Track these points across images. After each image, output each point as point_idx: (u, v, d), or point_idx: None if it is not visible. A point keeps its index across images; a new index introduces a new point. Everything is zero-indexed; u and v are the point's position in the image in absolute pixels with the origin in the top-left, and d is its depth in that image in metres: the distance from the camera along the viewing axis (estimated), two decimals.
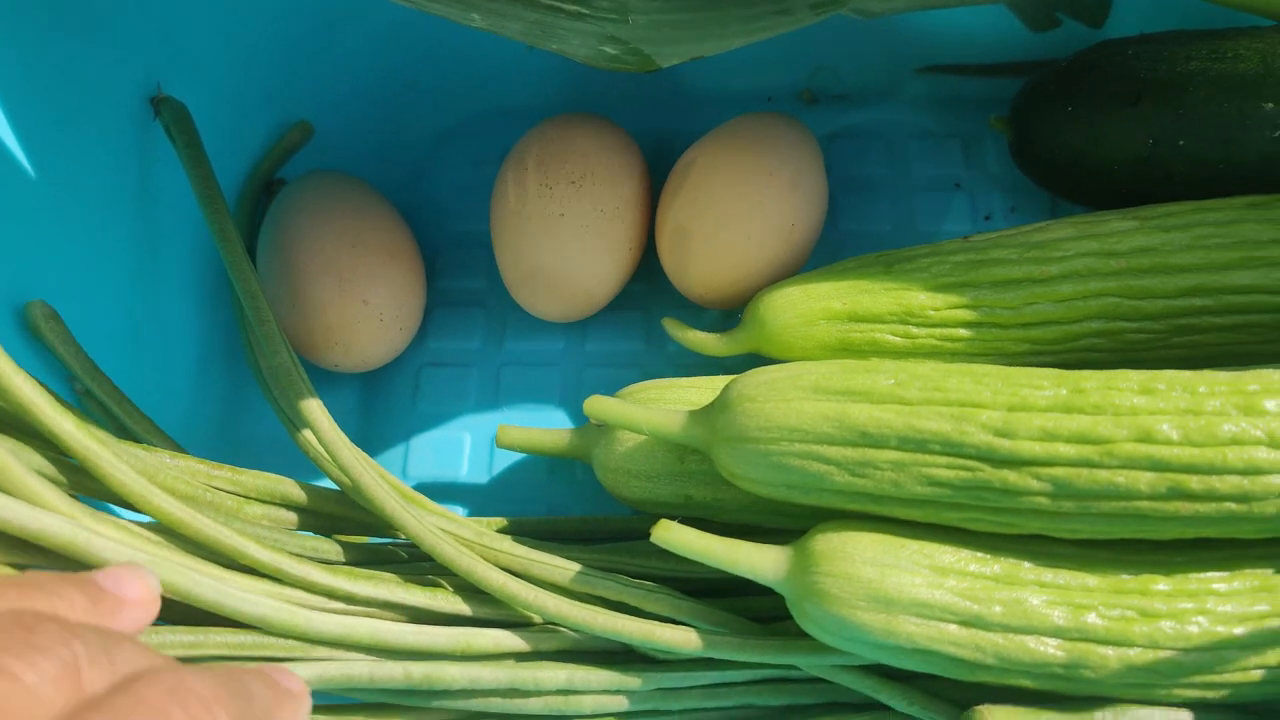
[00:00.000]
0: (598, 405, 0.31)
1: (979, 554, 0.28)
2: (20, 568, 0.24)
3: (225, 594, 0.26)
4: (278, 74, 0.40)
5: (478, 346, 0.40)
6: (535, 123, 0.39)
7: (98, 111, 0.33)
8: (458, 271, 0.42)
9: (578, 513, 0.36)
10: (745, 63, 0.43)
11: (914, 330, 0.33)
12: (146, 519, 0.27)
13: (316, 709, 0.29)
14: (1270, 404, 0.26)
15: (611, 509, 0.36)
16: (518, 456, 0.38)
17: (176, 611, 0.28)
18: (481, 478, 0.38)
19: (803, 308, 0.34)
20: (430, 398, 0.39)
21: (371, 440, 0.39)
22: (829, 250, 0.39)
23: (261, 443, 0.37)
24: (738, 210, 0.34)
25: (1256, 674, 0.27)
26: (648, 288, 0.40)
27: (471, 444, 0.38)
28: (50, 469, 0.26)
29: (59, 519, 0.23)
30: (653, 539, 0.29)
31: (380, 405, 0.39)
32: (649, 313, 0.40)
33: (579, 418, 0.39)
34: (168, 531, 0.27)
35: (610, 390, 0.34)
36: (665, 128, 0.43)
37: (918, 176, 0.42)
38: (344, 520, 0.33)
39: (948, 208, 0.41)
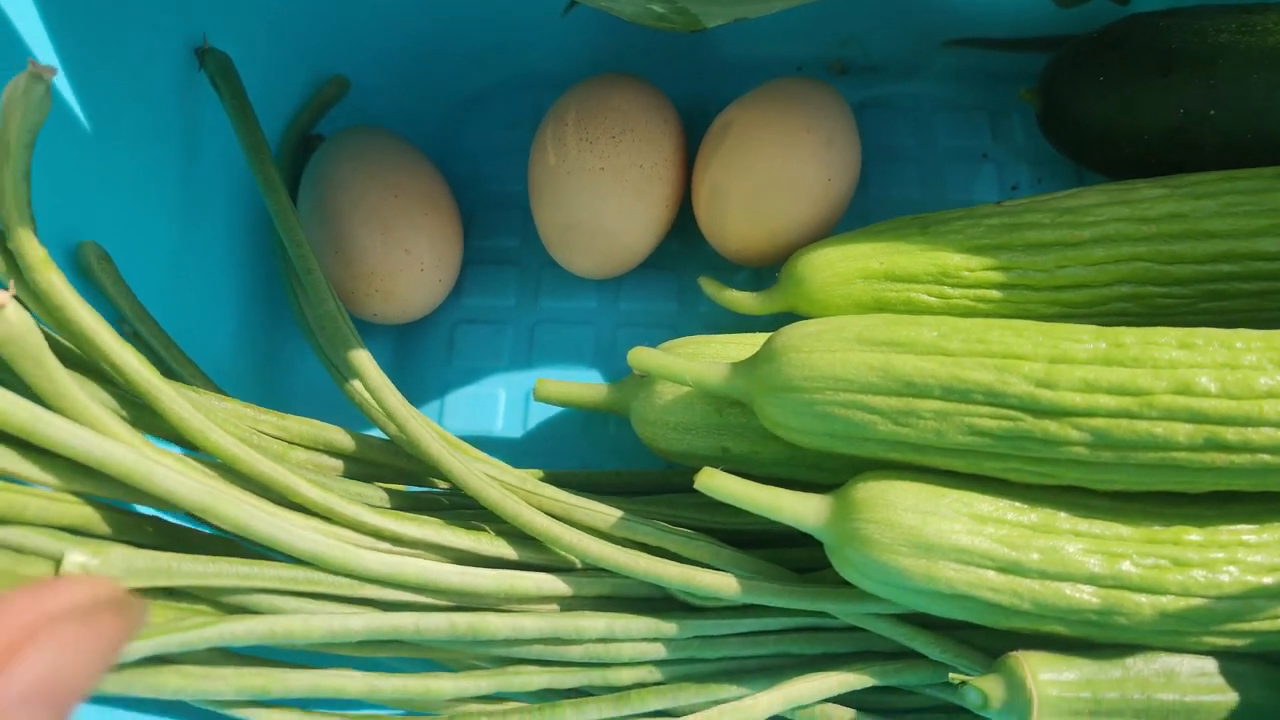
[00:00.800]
0: (641, 357, 0.31)
1: (1016, 504, 0.28)
2: (82, 496, 0.24)
3: (279, 529, 0.27)
4: (313, 30, 0.40)
5: (512, 304, 0.41)
6: (564, 88, 0.40)
7: (145, 62, 0.33)
8: (491, 231, 0.42)
9: (610, 468, 0.37)
10: (776, 31, 0.44)
11: (949, 291, 0.34)
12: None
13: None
14: None
15: (643, 465, 0.37)
16: (552, 412, 0.39)
17: (230, 548, 0.28)
18: (516, 432, 0.39)
19: (840, 267, 0.34)
20: (465, 354, 0.40)
21: (407, 394, 0.39)
22: (860, 216, 0.40)
23: (299, 392, 0.38)
24: (775, 166, 0.35)
25: None
26: (681, 248, 0.41)
27: (506, 399, 0.39)
28: (111, 402, 0.26)
29: (124, 447, 0.24)
30: (696, 485, 0.29)
31: (415, 361, 0.40)
32: (681, 273, 0.41)
33: (612, 375, 0.39)
34: (223, 468, 0.28)
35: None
36: (697, 94, 0.44)
37: (946, 147, 0.43)
38: (385, 468, 0.33)
39: (975, 177, 0.42)
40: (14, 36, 0.28)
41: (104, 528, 0.25)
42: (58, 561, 0.23)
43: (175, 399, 0.26)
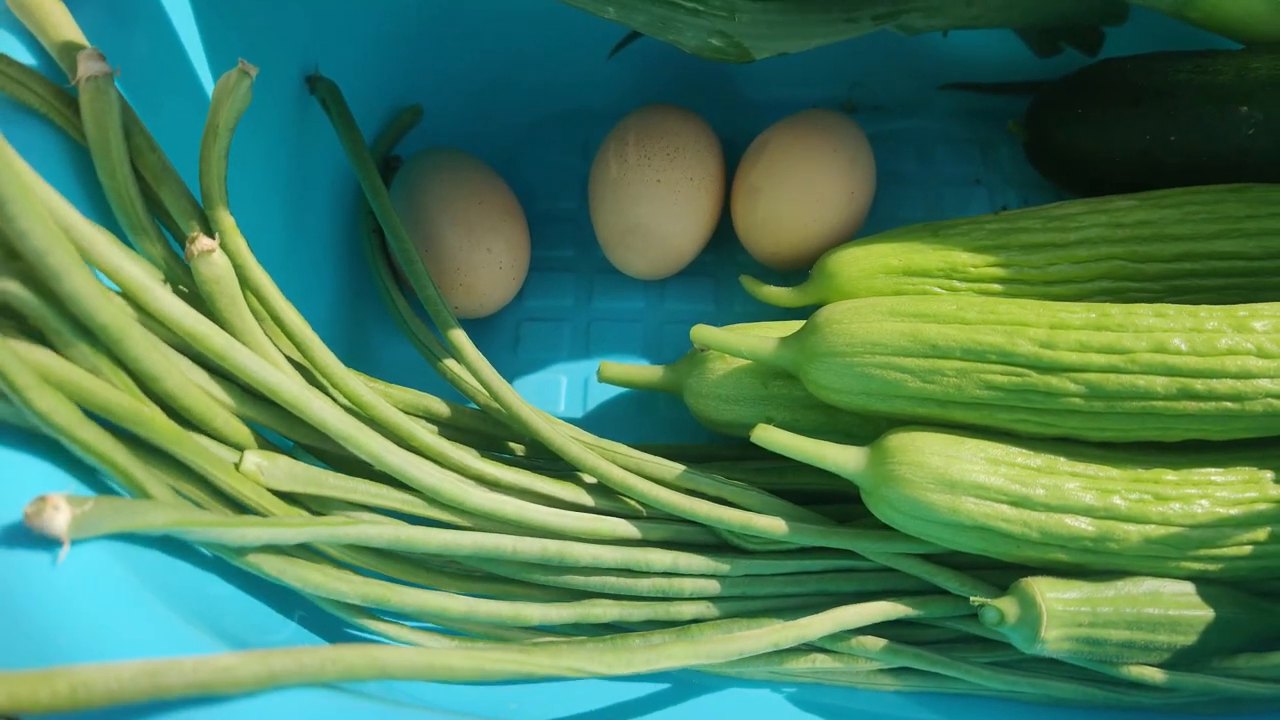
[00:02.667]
0: (705, 333, 0.36)
1: (1024, 450, 0.34)
2: (247, 421, 0.29)
3: (406, 461, 0.31)
4: (393, 64, 0.46)
5: (570, 304, 0.46)
6: (610, 121, 0.46)
7: (262, 89, 0.38)
8: (548, 242, 0.48)
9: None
10: (795, 75, 0.50)
11: (957, 284, 0.40)
12: None
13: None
14: (1258, 324, 0.32)
15: (694, 441, 0.42)
16: (608, 395, 0.44)
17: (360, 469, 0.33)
18: (577, 413, 0.44)
19: (865, 263, 0.40)
20: (529, 347, 0.45)
21: None
22: (873, 231, 0.46)
23: (381, 374, 0.42)
24: (807, 180, 0.41)
25: (1247, 549, 0.33)
26: (716, 257, 0.47)
27: (567, 385, 0.44)
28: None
29: (291, 380, 0.29)
30: (753, 438, 0.34)
31: (484, 353, 0.44)
32: (718, 278, 0.47)
33: (660, 364, 0.45)
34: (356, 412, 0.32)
35: (686, 341, 0.40)
36: (725, 129, 0.50)
37: (944, 173, 0.49)
38: (473, 433, 0.38)
39: (970, 199, 0.48)
40: (185, 63, 0.33)
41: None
42: (239, 460, 0.27)
43: (323, 349, 0.31)
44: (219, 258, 0.27)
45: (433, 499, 0.32)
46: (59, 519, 0.19)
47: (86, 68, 0.26)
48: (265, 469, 0.28)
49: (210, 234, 0.28)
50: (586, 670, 0.28)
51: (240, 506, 0.28)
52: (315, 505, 0.31)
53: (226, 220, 0.29)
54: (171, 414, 0.26)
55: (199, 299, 0.28)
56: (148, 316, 0.26)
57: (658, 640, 0.35)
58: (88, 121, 0.27)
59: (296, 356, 0.32)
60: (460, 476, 0.34)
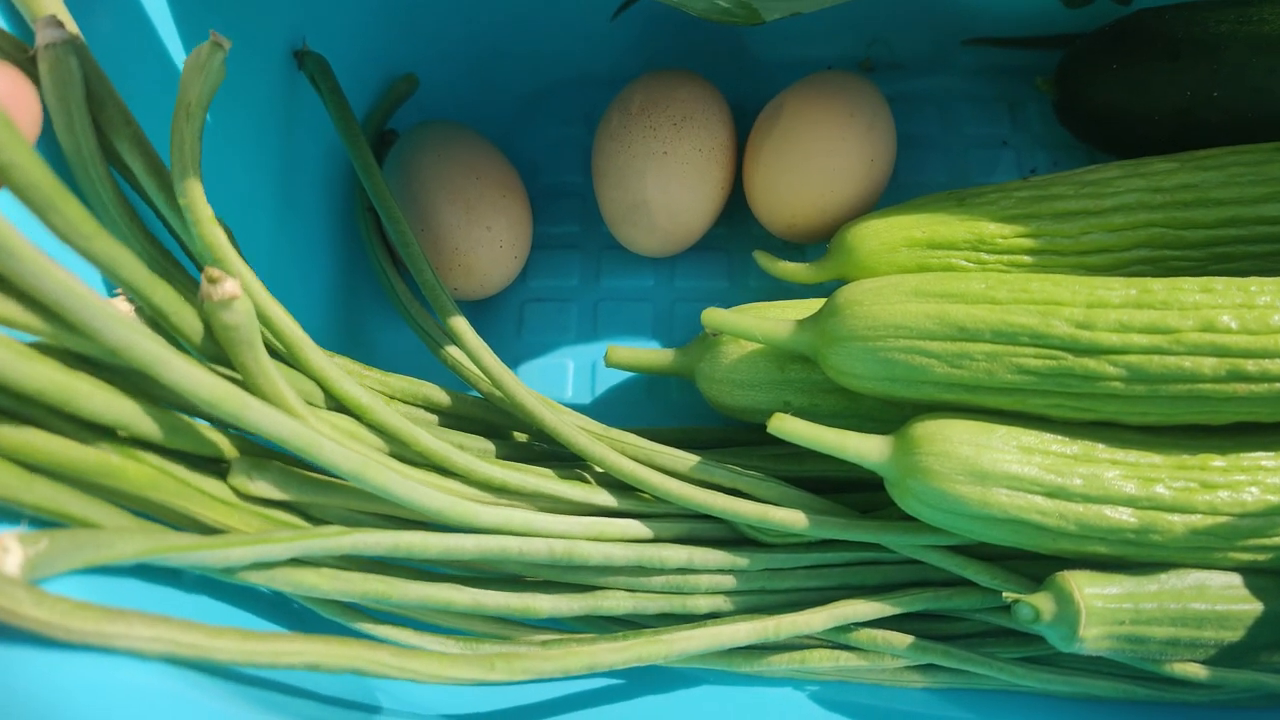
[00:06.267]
0: (716, 316, 0.34)
1: (1059, 437, 0.32)
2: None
3: (413, 491, 0.29)
4: (385, 33, 0.44)
5: (575, 284, 0.44)
6: (614, 88, 0.43)
7: (250, 64, 0.36)
8: (553, 219, 0.45)
9: None
10: (810, 33, 0.47)
11: (984, 256, 0.37)
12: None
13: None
14: None
15: (708, 424, 0.40)
16: (618, 379, 0.42)
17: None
18: (585, 398, 0.42)
19: (886, 236, 0.38)
20: (534, 328, 0.43)
21: None
22: (895, 199, 0.43)
23: (380, 360, 0.40)
24: (823, 147, 0.39)
25: None
26: (729, 231, 0.44)
27: (575, 369, 0.42)
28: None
29: (304, 428, 0.26)
30: (770, 429, 0.32)
31: (488, 336, 0.42)
32: (730, 253, 0.44)
33: (671, 345, 0.43)
34: (349, 414, 0.30)
35: (698, 321, 0.38)
36: (737, 92, 0.47)
37: (969, 135, 0.47)
38: (475, 422, 0.36)
39: (997, 163, 0.46)
40: (154, 38, 0.31)
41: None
42: (229, 465, 0.26)
43: (317, 351, 0.29)
44: (241, 304, 0.24)
45: (440, 521, 0.30)
46: (9, 562, 0.17)
47: (44, 35, 0.24)
48: (254, 479, 0.26)
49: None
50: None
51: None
52: (310, 511, 0.29)
53: (202, 211, 0.27)
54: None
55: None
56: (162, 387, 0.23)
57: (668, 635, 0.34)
58: (48, 92, 0.25)
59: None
60: (465, 484, 0.32)
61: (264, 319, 0.28)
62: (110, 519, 0.22)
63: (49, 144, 0.26)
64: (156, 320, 0.25)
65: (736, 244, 0.44)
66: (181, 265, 0.29)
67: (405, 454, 0.31)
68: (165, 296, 0.24)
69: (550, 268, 0.44)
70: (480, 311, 0.43)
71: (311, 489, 0.28)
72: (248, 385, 0.26)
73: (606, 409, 0.41)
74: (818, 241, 0.42)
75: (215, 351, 0.25)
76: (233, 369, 0.26)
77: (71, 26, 0.26)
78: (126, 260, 0.22)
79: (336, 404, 0.30)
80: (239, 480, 0.26)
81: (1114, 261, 0.37)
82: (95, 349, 0.22)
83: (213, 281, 0.23)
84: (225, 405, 0.23)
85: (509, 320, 0.43)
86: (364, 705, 0.32)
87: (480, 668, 0.28)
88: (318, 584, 0.28)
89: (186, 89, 0.25)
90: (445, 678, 0.28)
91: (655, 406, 0.42)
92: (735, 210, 0.43)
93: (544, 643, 0.32)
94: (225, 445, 0.26)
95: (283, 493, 0.27)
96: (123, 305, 0.26)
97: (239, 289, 0.23)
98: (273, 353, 0.30)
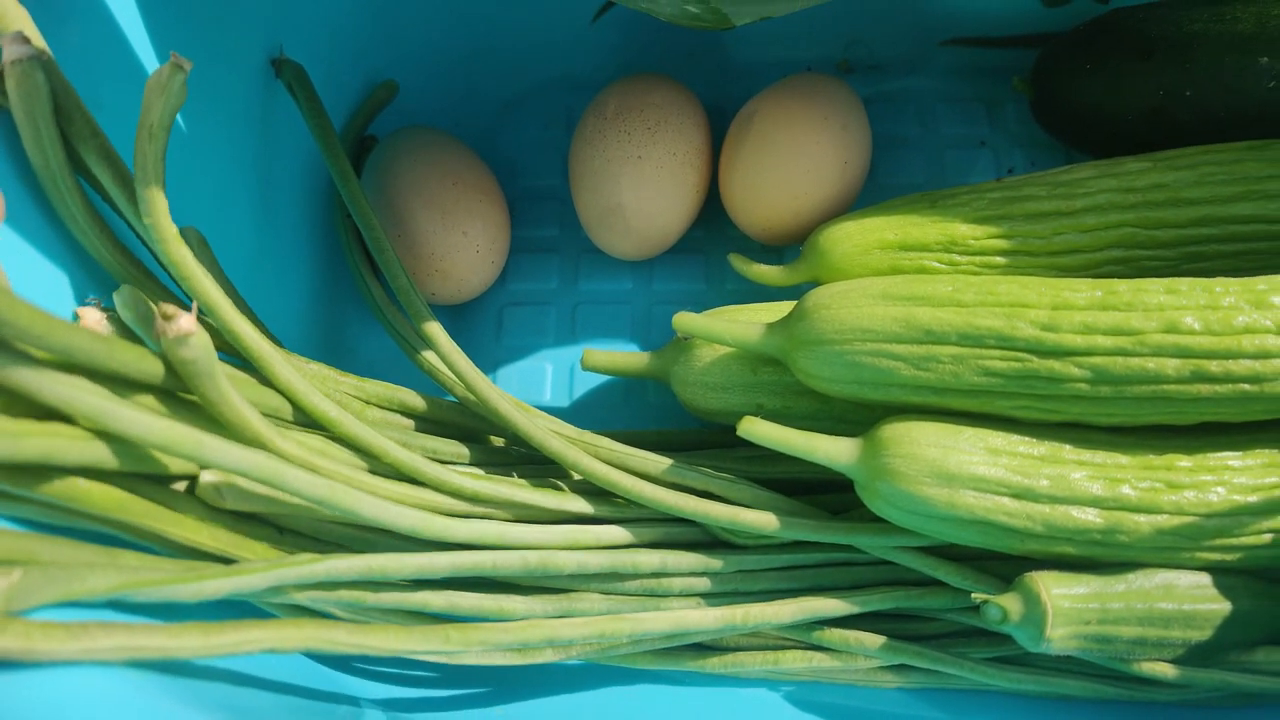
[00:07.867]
0: (686, 321, 0.35)
1: (1026, 438, 0.32)
2: None
3: (382, 510, 0.29)
4: (363, 40, 0.44)
5: (554, 287, 0.44)
6: (592, 91, 0.43)
7: (227, 72, 0.37)
8: (531, 222, 0.46)
9: None
10: (787, 35, 0.47)
11: (957, 258, 0.37)
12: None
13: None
14: (1277, 299, 0.30)
15: (685, 426, 0.40)
16: (595, 382, 0.42)
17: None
18: (563, 401, 0.42)
19: (859, 239, 0.38)
20: (513, 332, 0.43)
21: None
22: (871, 199, 0.43)
23: (360, 365, 0.41)
24: (797, 150, 0.39)
25: (1267, 537, 0.31)
26: (706, 233, 0.45)
27: (553, 372, 0.42)
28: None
29: (269, 458, 0.26)
30: (740, 432, 0.33)
31: (466, 340, 0.43)
32: (708, 255, 0.44)
33: (649, 348, 0.43)
34: (318, 428, 0.31)
35: None
36: (714, 94, 0.47)
37: (946, 135, 0.47)
38: (451, 426, 0.36)
39: (974, 162, 0.46)
40: (127, 49, 0.31)
41: None
42: (196, 475, 0.26)
43: (284, 365, 0.30)
44: (198, 340, 0.24)
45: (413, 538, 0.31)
46: None
47: (11, 51, 0.25)
48: (222, 485, 0.27)
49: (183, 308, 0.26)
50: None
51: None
52: (280, 522, 0.29)
53: (167, 230, 0.27)
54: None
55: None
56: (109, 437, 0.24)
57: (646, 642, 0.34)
58: (15, 107, 0.25)
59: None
60: (437, 494, 0.32)
61: (231, 335, 0.29)
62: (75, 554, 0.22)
63: (18, 158, 0.27)
64: (130, 329, 0.25)
65: (714, 247, 0.45)
66: (153, 274, 0.30)
67: (376, 467, 0.31)
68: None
69: (529, 271, 0.45)
70: (459, 315, 0.44)
71: (280, 501, 0.28)
72: (209, 413, 0.26)
73: (584, 412, 0.42)
74: (794, 244, 0.42)
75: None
76: None
77: (39, 41, 0.27)
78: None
79: (306, 418, 0.31)
80: (208, 495, 0.26)
81: (1086, 262, 0.37)
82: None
83: (167, 319, 0.23)
84: (180, 447, 0.23)
85: (488, 324, 0.44)
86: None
87: (435, 639, 0.29)
88: (294, 596, 0.28)
89: (148, 110, 0.26)
90: (400, 650, 0.28)
91: (632, 409, 0.42)
92: (712, 213, 0.43)
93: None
94: (193, 464, 0.26)
95: (252, 505, 0.28)
96: (94, 314, 0.27)
97: (193, 324, 0.23)
98: (241, 364, 0.30)
